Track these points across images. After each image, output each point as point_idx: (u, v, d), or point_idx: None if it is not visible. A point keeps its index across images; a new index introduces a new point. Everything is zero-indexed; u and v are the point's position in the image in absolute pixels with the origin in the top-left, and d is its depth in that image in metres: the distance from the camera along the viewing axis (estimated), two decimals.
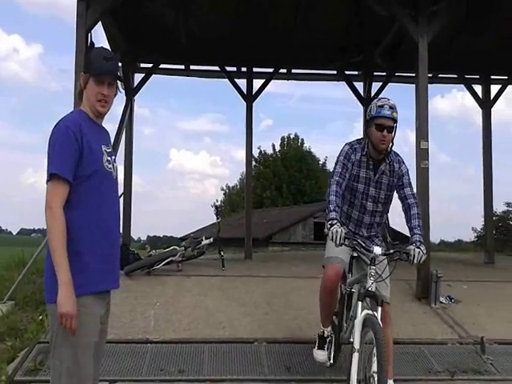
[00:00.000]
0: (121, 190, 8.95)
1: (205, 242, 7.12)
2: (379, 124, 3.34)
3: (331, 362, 3.67)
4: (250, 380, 3.91)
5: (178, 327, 4.71)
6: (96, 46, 6.18)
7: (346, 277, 3.72)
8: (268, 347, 4.38)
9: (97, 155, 2.24)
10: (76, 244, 2.11)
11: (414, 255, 3.09)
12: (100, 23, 6.71)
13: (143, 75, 9.15)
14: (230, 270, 6.87)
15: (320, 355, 3.69)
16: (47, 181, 2.13)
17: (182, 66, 9.62)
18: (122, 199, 8.76)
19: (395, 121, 3.37)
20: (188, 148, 78.11)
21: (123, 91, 8.91)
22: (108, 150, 2.32)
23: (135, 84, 9.14)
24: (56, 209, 2.09)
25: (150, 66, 9.20)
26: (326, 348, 3.68)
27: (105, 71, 2.27)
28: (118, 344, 4.30)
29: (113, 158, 2.36)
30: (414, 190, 3.57)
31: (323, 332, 3.71)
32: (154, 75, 9.26)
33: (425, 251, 3.15)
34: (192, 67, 9.59)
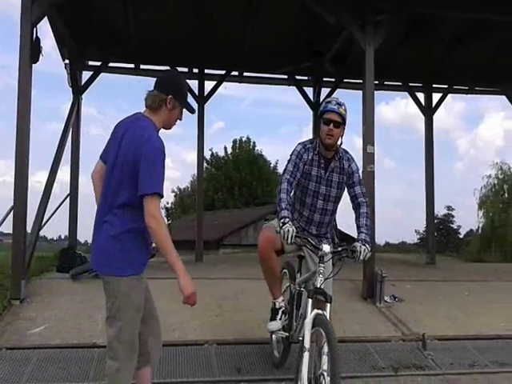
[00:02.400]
0: (65, 190, 8.69)
1: (154, 244, 7.00)
2: (326, 118, 3.44)
3: (286, 334, 3.67)
4: (200, 382, 3.89)
5: None
6: (41, 41, 5.97)
7: (295, 276, 3.80)
8: (218, 349, 4.38)
9: None
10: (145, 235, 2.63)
11: (360, 252, 3.19)
12: (46, 18, 6.49)
13: (91, 73, 8.92)
14: None
15: (272, 325, 3.69)
16: (149, 194, 2.50)
17: (132, 65, 9.46)
18: (67, 201, 8.51)
19: (343, 118, 3.43)
20: None
21: (70, 89, 8.66)
22: None
23: (83, 82, 8.91)
24: (160, 218, 2.54)
25: (99, 63, 8.98)
26: (278, 318, 3.68)
27: (192, 108, 2.82)
28: (63, 349, 4.19)
29: None
30: (365, 188, 3.63)
31: (274, 304, 3.74)
32: (102, 73, 9.05)
33: (370, 249, 3.26)
34: (142, 66, 9.44)
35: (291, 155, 3.55)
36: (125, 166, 2.57)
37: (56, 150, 7.62)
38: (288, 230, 3.13)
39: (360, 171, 3.66)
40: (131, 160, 2.54)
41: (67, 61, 8.60)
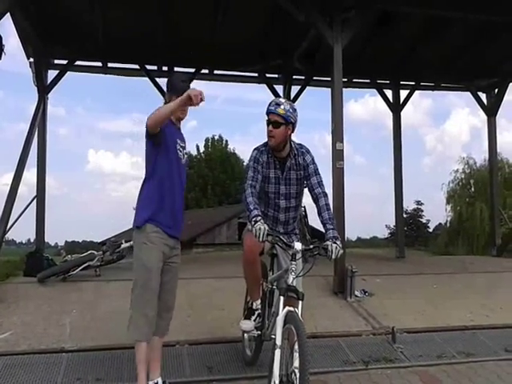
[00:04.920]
0: (33, 192, 8.48)
1: (124, 245, 6.91)
2: (267, 119, 3.47)
3: (258, 332, 3.67)
4: (171, 383, 3.86)
5: (96, 334, 4.53)
6: (3, 40, 5.86)
7: (267, 274, 3.80)
8: (190, 349, 4.35)
9: (171, 141, 3.41)
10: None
11: (332, 251, 3.17)
12: (9, 15, 6.32)
13: (57, 72, 8.73)
14: None
15: (245, 324, 3.67)
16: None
17: (100, 64, 9.29)
18: (34, 203, 8.31)
19: (283, 117, 3.41)
20: (107, 149, 75.05)
21: (36, 88, 8.46)
22: (181, 144, 3.49)
23: (49, 81, 8.71)
24: (150, 117, 3.25)
25: (65, 62, 8.79)
26: (253, 319, 3.68)
27: (179, 84, 3.49)
28: (30, 355, 4.09)
29: (184, 151, 3.52)
30: (322, 177, 3.58)
31: (252, 304, 3.73)
32: (69, 72, 8.87)
33: (341, 245, 3.25)
34: (110, 65, 9.29)
35: (249, 162, 3.59)
36: None
37: (21, 151, 7.44)
38: (260, 228, 3.12)
39: (316, 161, 3.60)
40: None
41: (32, 59, 8.39)
